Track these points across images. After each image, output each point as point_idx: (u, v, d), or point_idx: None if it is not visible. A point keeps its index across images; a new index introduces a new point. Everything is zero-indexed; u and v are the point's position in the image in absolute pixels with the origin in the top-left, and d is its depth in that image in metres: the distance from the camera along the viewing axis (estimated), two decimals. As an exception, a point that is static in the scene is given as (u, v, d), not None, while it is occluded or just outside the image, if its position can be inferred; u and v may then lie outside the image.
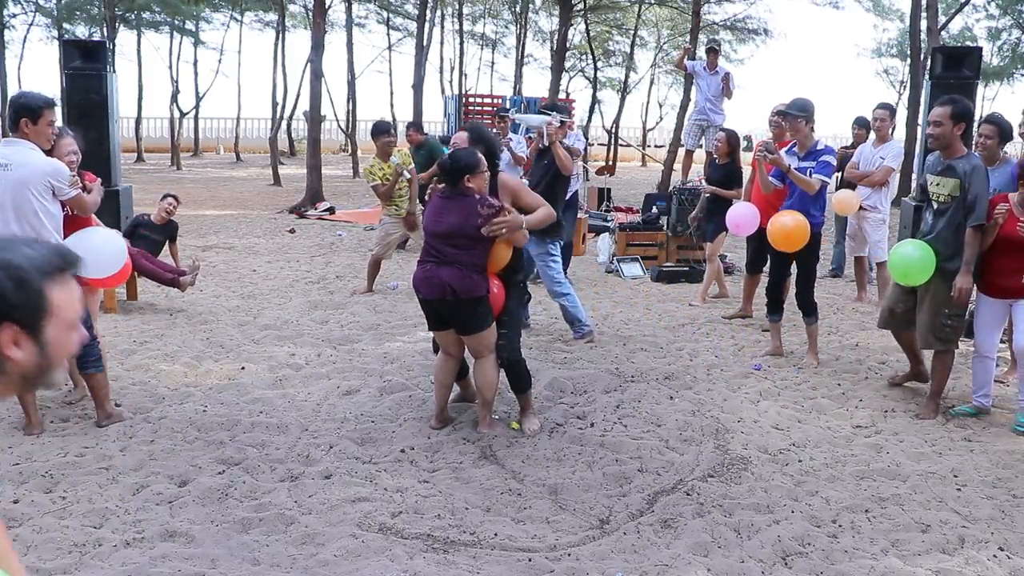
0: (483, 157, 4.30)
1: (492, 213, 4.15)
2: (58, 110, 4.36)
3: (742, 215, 6.85)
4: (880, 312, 5.31)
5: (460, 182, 4.22)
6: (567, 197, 8.40)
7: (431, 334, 4.76)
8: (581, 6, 20.49)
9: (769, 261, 6.20)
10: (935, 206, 4.87)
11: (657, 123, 33.12)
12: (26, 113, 4.10)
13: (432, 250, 4.27)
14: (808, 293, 5.89)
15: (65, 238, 4.55)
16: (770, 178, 6.06)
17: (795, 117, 5.82)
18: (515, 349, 4.50)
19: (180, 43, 26.92)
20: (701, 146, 10.29)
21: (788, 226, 5.63)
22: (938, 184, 4.83)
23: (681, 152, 12.51)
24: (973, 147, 5.75)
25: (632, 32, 26.29)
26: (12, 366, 1.45)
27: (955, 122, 4.72)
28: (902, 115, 15.27)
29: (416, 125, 10.39)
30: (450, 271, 4.16)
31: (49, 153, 4.40)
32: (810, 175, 5.72)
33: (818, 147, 5.83)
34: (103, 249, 4.49)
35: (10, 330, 1.42)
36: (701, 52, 12.22)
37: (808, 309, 5.90)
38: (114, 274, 4.64)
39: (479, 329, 4.30)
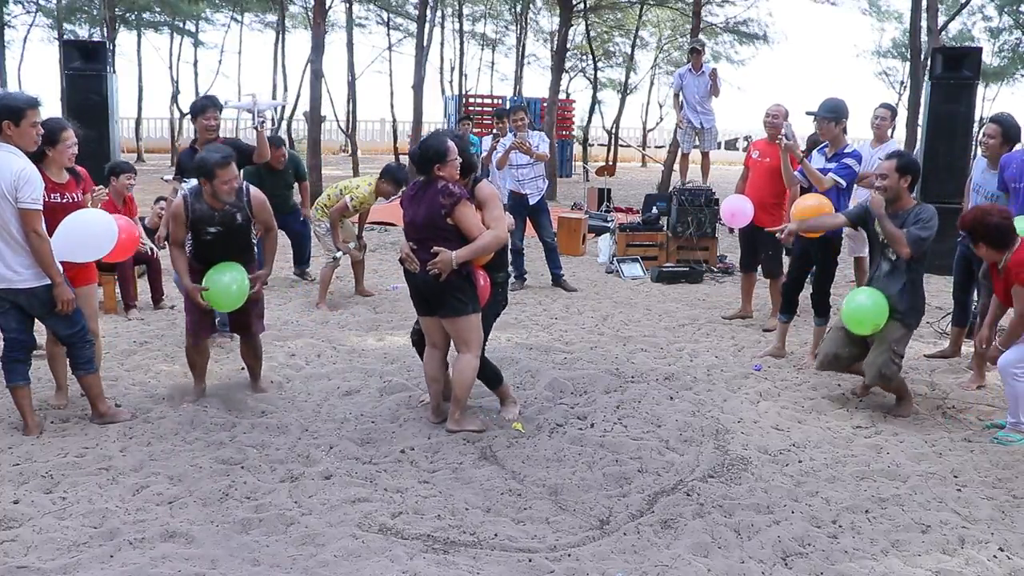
0: (453, 144, 4.29)
1: (453, 201, 4.19)
2: (45, 107, 4.24)
3: (738, 207, 6.84)
4: (821, 357, 5.13)
5: (431, 170, 4.27)
6: (536, 201, 8.37)
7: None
8: (581, 6, 20.47)
9: (789, 261, 6.16)
10: (889, 255, 4.88)
11: (657, 123, 33.05)
12: (8, 115, 3.96)
13: (414, 237, 4.34)
14: (824, 294, 5.88)
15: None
16: (795, 173, 6.06)
17: (824, 119, 5.78)
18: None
19: (180, 43, 26.94)
20: (697, 146, 10.28)
21: (810, 203, 5.58)
22: None
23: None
24: (976, 147, 5.75)
25: (633, 33, 26.28)
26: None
27: (900, 175, 4.80)
28: (902, 116, 15.26)
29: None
30: (420, 259, 4.28)
31: (51, 146, 4.33)
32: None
33: (845, 150, 5.80)
34: (92, 230, 4.46)
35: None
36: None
37: (820, 310, 5.89)
38: (114, 250, 4.67)
39: (458, 312, 4.30)
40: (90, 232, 4.44)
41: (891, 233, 4.75)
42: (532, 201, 8.33)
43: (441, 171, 4.25)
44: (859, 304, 4.82)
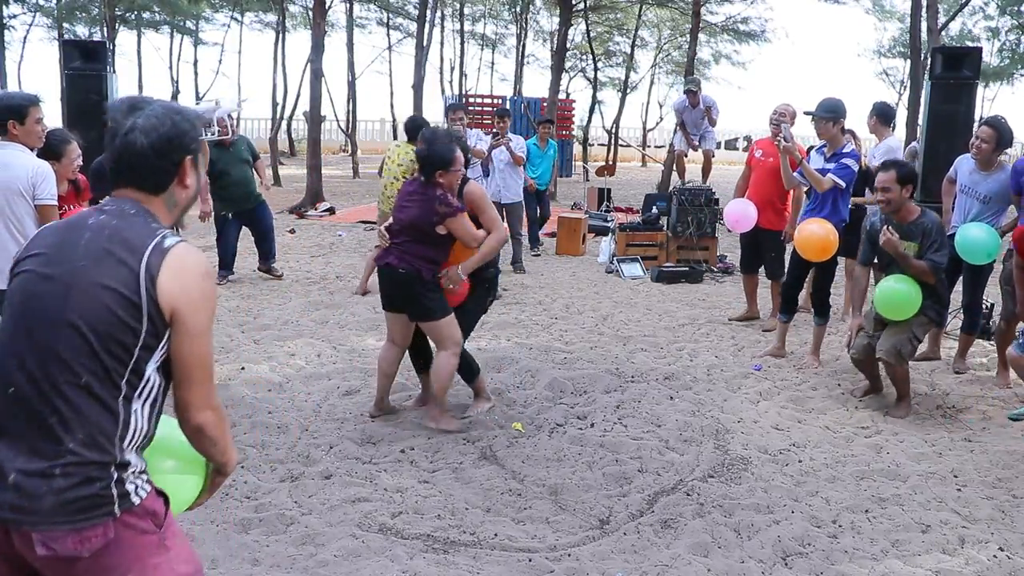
0: (460, 154, 4.33)
1: (448, 212, 4.21)
2: (45, 107, 4.26)
3: (741, 212, 6.81)
4: (854, 351, 5.10)
5: (432, 176, 4.29)
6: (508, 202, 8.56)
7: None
8: (581, 6, 20.46)
9: (788, 260, 6.14)
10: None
11: (657, 123, 33.08)
12: (12, 114, 4.00)
13: (397, 231, 4.39)
14: (824, 293, 5.88)
15: None
16: (794, 174, 6.04)
17: (822, 119, 5.75)
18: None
19: (180, 43, 26.98)
20: (696, 147, 10.36)
21: (817, 235, 5.58)
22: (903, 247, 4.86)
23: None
24: (968, 149, 5.67)
25: (633, 32, 26.28)
26: (184, 194, 1.81)
27: (902, 185, 4.80)
28: (902, 116, 15.25)
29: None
30: (396, 254, 4.33)
31: (49, 154, 4.38)
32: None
33: (844, 150, 5.77)
34: None
35: (189, 161, 1.79)
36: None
37: (821, 309, 5.89)
38: None
39: (428, 317, 4.35)
40: None
41: (918, 268, 4.77)
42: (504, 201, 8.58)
43: (442, 178, 4.28)
44: (893, 288, 4.80)
